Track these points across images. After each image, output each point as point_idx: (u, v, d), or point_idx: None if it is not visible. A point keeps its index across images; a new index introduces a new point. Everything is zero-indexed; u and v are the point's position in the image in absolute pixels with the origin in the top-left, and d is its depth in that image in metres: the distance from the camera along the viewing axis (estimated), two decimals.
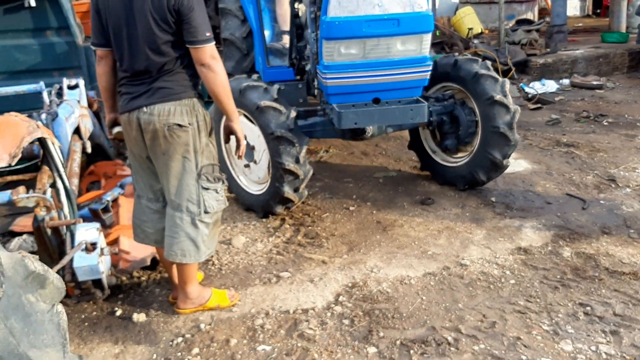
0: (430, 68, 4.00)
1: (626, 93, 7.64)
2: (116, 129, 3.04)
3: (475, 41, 9.07)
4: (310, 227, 4.10)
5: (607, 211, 4.20)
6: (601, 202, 4.35)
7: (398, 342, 2.88)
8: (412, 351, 2.81)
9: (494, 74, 4.28)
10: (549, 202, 4.35)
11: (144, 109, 2.75)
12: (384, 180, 4.91)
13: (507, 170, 4.97)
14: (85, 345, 2.93)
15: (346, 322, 3.06)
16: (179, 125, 2.75)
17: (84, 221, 3.09)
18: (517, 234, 3.91)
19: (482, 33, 10.05)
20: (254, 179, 4.33)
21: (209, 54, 2.70)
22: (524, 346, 2.83)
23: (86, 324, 3.10)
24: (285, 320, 3.09)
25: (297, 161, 3.90)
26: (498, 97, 4.16)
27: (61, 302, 3.20)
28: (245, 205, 4.40)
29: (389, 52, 3.80)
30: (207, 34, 2.70)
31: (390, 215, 4.24)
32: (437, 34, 9.35)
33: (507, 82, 4.33)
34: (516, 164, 5.13)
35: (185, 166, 2.83)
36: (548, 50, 8.78)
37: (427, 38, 3.86)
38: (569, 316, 3.05)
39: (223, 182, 3.01)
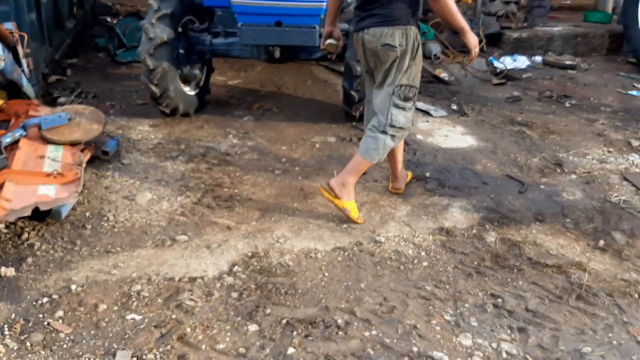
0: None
1: (599, 76, 7.34)
2: (328, 41, 3.60)
3: None
4: (226, 189, 3.80)
5: (546, 197, 3.95)
6: (541, 187, 4.09)
7: (283, 322, 2.62)
8: (295, 332, 2.56)
9: None
10: (485, 183, 4.08)
11: (366, 30, 3.31)
12: (320, 145, 4.61)
13: (450, 145, 4.71)
14: None
15: (234, 295, 2.80)
16: (390, 45, 3.25)
17: None
18: (442, 213, 3.65)
19: (459, 1, 9.59)
20: None
21: None
22: (419, 336, 2.59)
23: None
24: (168, 288, 2.82)
25: (150, 54, 4.56)
26: None
27: None
28: None
29: None
30: None
31: (316, 183, 3.95)
32: None
33: None
34: (461, 140, 4.85)
35: (386, 80, 3.36)
36: (525, 24, 8.41)
37: None
38: (476, 307, 2.82)
39: (414, 104, 3.46)
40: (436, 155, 4.50)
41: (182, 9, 4.84)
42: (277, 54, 4.79)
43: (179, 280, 2.88)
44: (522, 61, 7.57)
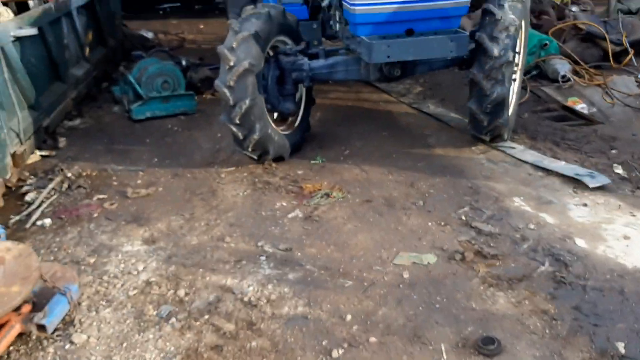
0: None
1: None
2: None
3: (574, 9, 6.50)
4: None
5: None
6: None
7: None
8: None
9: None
10: None
11: None
12: (411, 274, 2.72)
13: (627, 264, 2.70)
14: None
15: None
16: None
17: None
18: None
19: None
20: None
21: None
22: None
23: None
24: None
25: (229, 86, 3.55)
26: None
27: None
28: None
29: None
30: None
31: None
32: None
33: None
34: (629, 246, 2.80)
35: None
36: None
37: None
38: None
39: None
40: (623, 290, 2.50)
41: (271, 29, 3.74)
42: (399, 71, 3.92)
43: None
44: None
